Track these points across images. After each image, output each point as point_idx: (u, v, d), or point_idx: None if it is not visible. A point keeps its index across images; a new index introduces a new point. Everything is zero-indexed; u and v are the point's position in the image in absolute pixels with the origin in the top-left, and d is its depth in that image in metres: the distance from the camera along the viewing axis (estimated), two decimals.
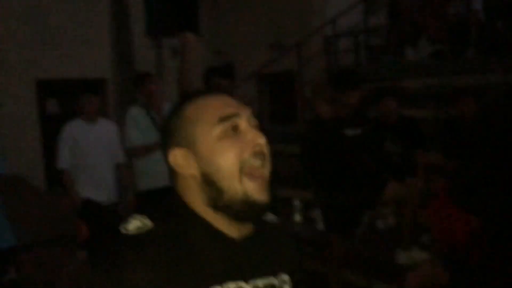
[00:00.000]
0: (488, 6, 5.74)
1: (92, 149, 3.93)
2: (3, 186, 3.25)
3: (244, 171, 0.93)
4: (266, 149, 0.97)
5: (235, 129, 0.96)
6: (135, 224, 0.93)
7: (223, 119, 0.95)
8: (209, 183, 0.94)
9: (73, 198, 3.86)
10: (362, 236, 3.85)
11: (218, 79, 3.14)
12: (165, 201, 1.01)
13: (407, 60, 6.36)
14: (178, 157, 0.97)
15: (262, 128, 1.02)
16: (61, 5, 7.54)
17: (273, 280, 1.00)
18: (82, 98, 4.02)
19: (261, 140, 0.96)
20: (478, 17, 5.72)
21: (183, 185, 0.98)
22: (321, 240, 3.94)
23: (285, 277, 1.04)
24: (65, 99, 7.87)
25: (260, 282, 0.98)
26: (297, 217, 4.51)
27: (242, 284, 0.95)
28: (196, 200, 0.96)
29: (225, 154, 0.93)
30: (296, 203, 4.55)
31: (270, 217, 1.09)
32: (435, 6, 6.20)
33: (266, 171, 0.97)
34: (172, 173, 0.99)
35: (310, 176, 3.62)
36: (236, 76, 8.43)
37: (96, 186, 3.91)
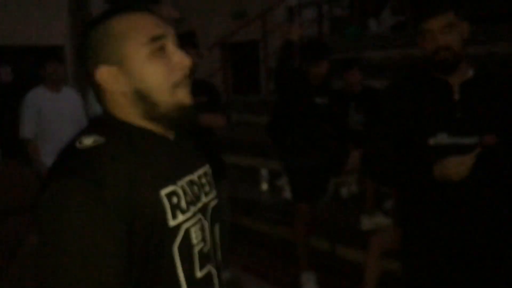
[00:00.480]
0: None
1: (57, 118, 3.82)
2: None
3: (174, 86, 1.01)
4: (190, 69, 1.04)
5: (163, 49, 1.01)
6: (88, 140, 0.95)
7: (153, 39, 0.99)
8: (142, 98, 1.00)
9: (39, 168, 3.76)
10: (327, 203, 3.96)
11: (184, 48, 3.12)
12: (97, 120, 1.05)
13: (370, 32, 6.45)
14: (106, 74, 0.99)
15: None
16: None
17: (205, 169, 1.16)
18: (47, 65, 3.86)
19: (187, 62, 1.03)
20: None
21: (112, 102, 1.02)
22: (288, 208, 4.03)
23: (208, 166, 1.19)
24: (19, 67, 7.56)
25: (200, 171, 1.12)
26: (264, 186, 4.58)
27: (191, 176, 1.07)
28: (130, 114, 1.01)
29: (157, 74, 0.99)
30: (263, 172, 4.61)
31: None
32: None
33: (189, 82, 1.05)
34: (98, 90, 1.02)
35: (277, 143, 3.67)
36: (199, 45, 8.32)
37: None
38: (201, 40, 8.00)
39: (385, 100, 1.93)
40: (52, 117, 3.81)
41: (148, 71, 0.99)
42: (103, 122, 1.03)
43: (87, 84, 1.05)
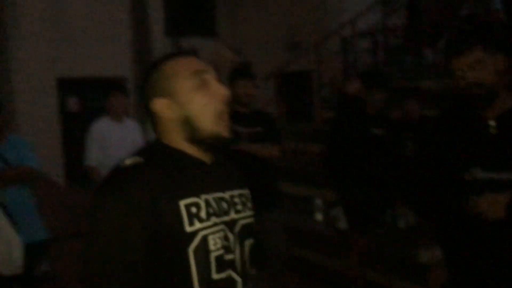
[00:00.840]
0: (509, 6, 5.73)
1: (118, 148, 4.00)
2: (35, 180, 3.33)
3: (216, 115, 1.21)
4: (229, 101, 1.25)
5: (204, 82, 1.22)
6: (129, 160, 1.18)
7: (195, 73, 1.22)
8: (187, 123, 1.21)
9: None
10: (384, 234, 3.87)
11: (242, 80, 3.30)
12: (145, 145, 1.30)
13: (426, 61, 6.36)
14: (160, 104, 1.22)
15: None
16: (82, 5, 7.66)
17: (242, 191, 1.31)
18: (111, 97, 4.08)
19: (225, 91, 1.24)
20: (499, 17, 5.71)
21: (163, 128, 1.24)
22: (343, 239, 3.97)
23: (248, 191, 1.35)
24: (85, 97, 7.99)
25: (235, 192, 1.28)
26: (319, 216, 4.54)
27: (221, 194, 1.23)
28: (176, 138, 1.22)
29: (200, 102, 1.21)
30: (318, 202, 4.57)
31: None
32: (453, 6, 6.20)
33: (227, 115, 1.25)
34: (154, 119, 1.25)
35: (332, 173, 3.66)
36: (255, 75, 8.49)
37: None
38: (257, 71, 8.20)
39: (424, 133, 1.95)
40: (114, 146, 3.99)
41: (193, 100, 1.21)
42: (149, 147, 1.27)
43: (146, 115, 1.27)
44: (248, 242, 1.28)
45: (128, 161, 1.18)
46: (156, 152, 1.22)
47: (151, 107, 1.23)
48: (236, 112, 3.31)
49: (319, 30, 7.38)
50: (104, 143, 4.01)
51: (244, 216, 1.28)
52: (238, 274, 1.21)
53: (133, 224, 1.10)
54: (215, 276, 1.16)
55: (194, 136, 1.21)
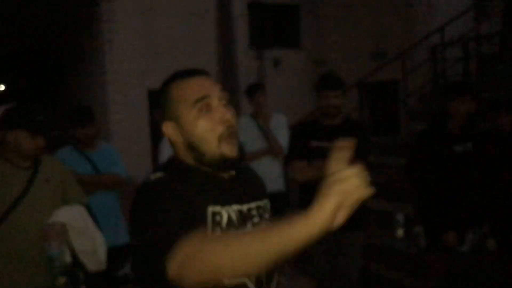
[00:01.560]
0: None
1: None
2: (122, 186, 3.54)
3: (219, 139, 1.24)
4: (233, 121, 1.26)
5: (208, 107, 1.25)
6: (154, 176, 1.25)
7: (197, 101, 1.24)
8: (192, 148, 1.26)
9: None
10: (470, 255, 3.62)
11: (326, 91, 3.14)
12: (167, 161, 1.35)
13: None
14: (169, 129, 1.28)
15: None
16: (171, 20, 8.04)
17: (260, 203, 1.34)
18: None
19: (229, 117, 1.25)
20: None
21: (176, 148, 1.31)
22: (422, 257, 3.78)
23: (266, 201, 1.38)
24: None
25: (252, 204, 1.32)
26: (399, 232, 4.35)
27: (239, 206, 1.27)
28: (187, 158, 1.29)
29: (203, 129, 1.24)
30: (399, 217, 4.38)
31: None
32: None
33: (235, 134, 1.27)
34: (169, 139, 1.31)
35: (413, 189, 3.50)
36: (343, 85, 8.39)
37: None
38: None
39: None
40: None
41: (196, 127, 1.24)
42: (170, 163, 1.33)
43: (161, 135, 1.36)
44: None
45: (153, 176, 1.25)
46: (174, 168, 1.28)
47: (163, 128, 1.29)
48: (321, 124, 3.21)
49: (406, 38, 7.15)
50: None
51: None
52: (251, 281, 1.25)
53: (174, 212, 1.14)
54: (227, 281, 1.16)
55: (201, 159, 1.26)
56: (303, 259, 3.12)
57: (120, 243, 3.34)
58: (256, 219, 1.31)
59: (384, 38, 7.66)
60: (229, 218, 1.23)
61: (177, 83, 1.29)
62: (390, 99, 7.42)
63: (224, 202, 1.24)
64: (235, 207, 1.26)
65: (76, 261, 2.46)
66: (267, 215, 1.36)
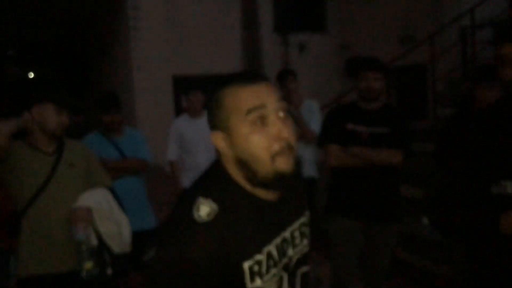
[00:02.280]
0: None
1: (193, 143, 4.17)
2: (147, 171, 3.58)
3: (274, 155, 1.10)
4: (290, 140, 1.12)
5: (263, 120, 1.10)
6: (205, 210, 1.10)
7: (250, 111, 1.09)
8: (243, 165, 1.12)
9: (177, 186, 4.23)
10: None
11: (365, 72, 2.97)
12: (214, 172, 1.19)
13: None
14: (218, 139, 1.14)
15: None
16: (195, 6, 8.02)
17: (302, 220, 1.27)
18: (191, 95, 4.26)
19: (286, 133, 1.11)
20: None
21: (226, 160, 1.16)
22: (451, 245, 3.71)
23: (308, 213, 1.30)
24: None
25: (295, 225, 1.24)
26: (426, 220, 4.29)
27: (283, 234, 1.19)
28: (236, 175, 1.15)
29: (256, 146, 1.09)
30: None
31: None
32: None
33: (292, 151, 1.12)
34: (217, 149, 1.17)
35: (440, 175, 3.42)
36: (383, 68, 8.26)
37: (194, 176, 4.09)
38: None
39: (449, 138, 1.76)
40: (189, 141, 4.20)
41: (248, 142, 1.10)
42: (218, 178, 1.17)
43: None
44: (300, 272, 1.26)
45: (203, 212, 1.10)
46: (226, 194, 1.14)
47: (212, 138, 1.16)
48: (359, 108, 3.06)
49: (434, 20, 6.95)
50: (182, 139, 4.23)
51: (300, 249, 1.26)
52: (280, 268, 1.19)
53: (189, 281, 1.05)
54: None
55: (253, 178, 1.13)
56: (332, 246, 3.10)
57: (146, 227, 3.38)
58: (297, 241, 1.24)
59: (412, 21, 7.48)
60: (269, 259, 1.14)
61: (232, 90, 1.13)
62: (418, 84, 7.26)
63: (267, 240, 1.15)
64: (279, 238, 1.18)
65: (102, 244, 2.50)
66: (307, 232, 1.28)
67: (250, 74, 1.15)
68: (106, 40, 8.77)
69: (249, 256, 1.11)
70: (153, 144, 7.47)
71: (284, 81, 4.06)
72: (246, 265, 1.10)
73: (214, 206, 1.10)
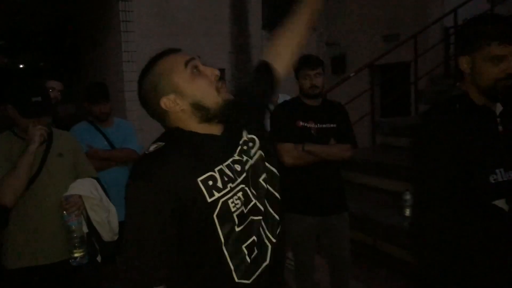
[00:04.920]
0: None
1: None
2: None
3: (217, 90, 1.37)
4: (218, 73, 1.40)
5: (196, 68, 1.38)
6: (152, 146, 1.36)
7: (187, 63, 1.36)
8: (198, 107, 1.36)
9: None
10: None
11: (305, 70, 3.08)
12: (167, 131, 1.42)
13: None
14: (168, 102, 1.36)
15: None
16: (187, 1, 8.09)
17: (244, 139, 1.45)
18: None
19: (216, 72, 1.39)
20: None
21: (176, 119, 1.38)
22: None
23: (252, 135, 1.48)
24: None
25: (242, 144, 1.44)
26: (408, 212, 4.43)
27: (233, 157, 1.39)
28: (188, 124, 1.38)
29: (202, 86, 1.36)
30: (407, 197, 4.46)
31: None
32: None
33: (224, 84, 1.40)
34: (162, 116, 1.39)
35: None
36: (347, 67, 8.41)
37: None
38: (353, 63, 8.10)
39: (434, 140, 1.66)
40: None
41: (196, 85, 1.36)
42: (169, 132, 1.42)
43: (152, 116, 1.45)
44: (262, 179, 1.45)
45: (152, 147, 1.36)
46: (174, 136, 1.39)
47: (161, 106, 1.37)
48: (304, 105, 3.12)
49: (419, 19, 7.11)
50: None
51: (253, 155, 1.45)
52: (260, 214, 1.41)
53: (160, 203, 1.27)
54: (237, 228, 1.35)
55: (208, 115, 1.37)
56: (293, 243, 3.15)
57: None
58: (249, 151, 1.45)
59: (397, 20, 7.63)
60: (223, 175, 1.35)
61: (161, 59, 1.40)
62: (401, 81, 7.43)
63: (217, 162, 1.36)
64: (229, 160, 1.38)
65: (92, 232, 2.54)
66: (257, 141, 1.49)
67: (169, 49, 1.43)
68: (97, 32, 8.80)
69: (201, 174, 1.31)
70: (141, 134, 7.57)
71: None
72: (199, 180, 1.30)
73: (161, 143, 1.36)
